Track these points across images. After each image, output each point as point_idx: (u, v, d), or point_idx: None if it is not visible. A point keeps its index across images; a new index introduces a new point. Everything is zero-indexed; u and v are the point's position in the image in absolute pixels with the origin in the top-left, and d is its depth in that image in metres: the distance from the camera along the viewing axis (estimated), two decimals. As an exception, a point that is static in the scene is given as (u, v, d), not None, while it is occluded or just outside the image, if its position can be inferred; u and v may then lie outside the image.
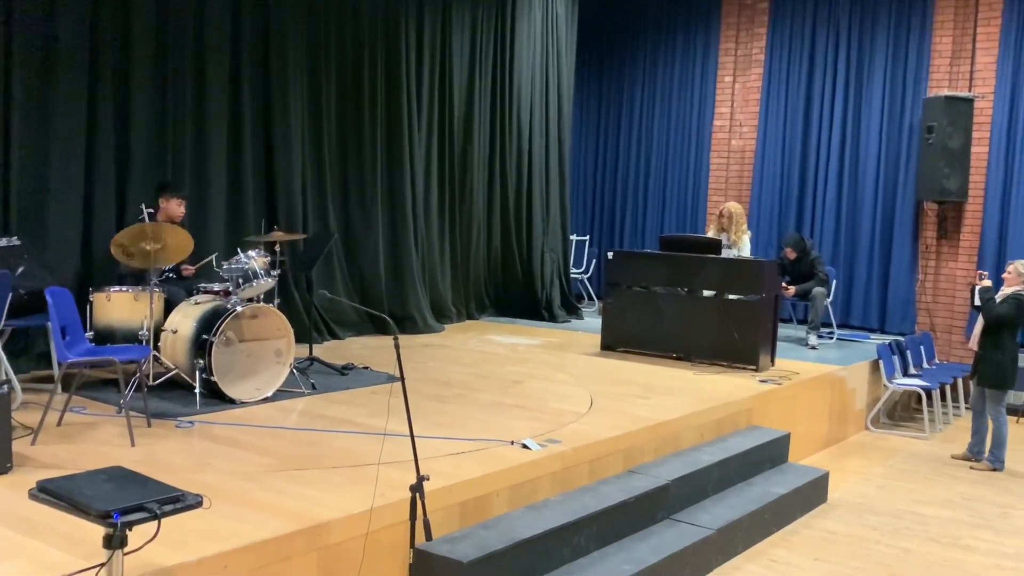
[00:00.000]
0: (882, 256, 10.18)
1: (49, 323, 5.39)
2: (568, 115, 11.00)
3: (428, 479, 3.78)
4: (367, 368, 6.81)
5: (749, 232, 9.07)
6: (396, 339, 3.94)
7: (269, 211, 7.70)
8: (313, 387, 6.00)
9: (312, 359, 6.65)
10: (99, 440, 4.63)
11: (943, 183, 9.41)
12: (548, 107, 10.63)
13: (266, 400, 5.60)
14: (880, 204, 10.18)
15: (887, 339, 9.11)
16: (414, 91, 8.96)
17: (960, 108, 9.44)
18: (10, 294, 5.13)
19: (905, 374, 8.65)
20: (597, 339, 8.44)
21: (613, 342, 8.30)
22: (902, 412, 9.13)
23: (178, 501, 2.69)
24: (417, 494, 3.68)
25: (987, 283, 7.14)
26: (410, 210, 8.92)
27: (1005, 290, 7.02)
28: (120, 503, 2.59)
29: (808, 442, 7.32)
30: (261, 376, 5.70)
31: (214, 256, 6.32)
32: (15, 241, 5.72)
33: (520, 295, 10.37)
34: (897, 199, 10.07)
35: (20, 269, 5.44)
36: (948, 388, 8.84)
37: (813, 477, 6.16)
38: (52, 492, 2.68)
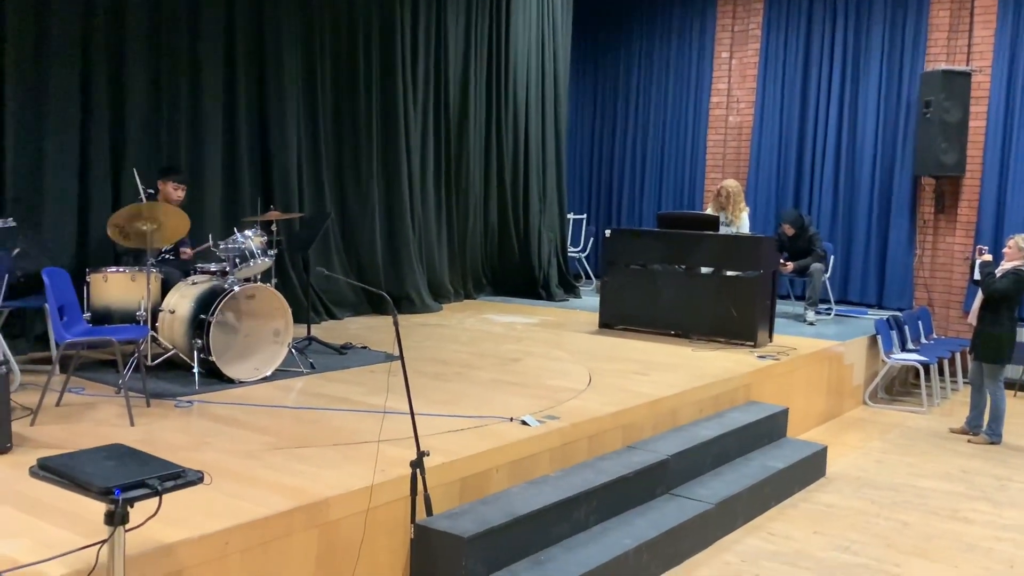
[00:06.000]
0: (880, 232, 10.18)
1: (46, 304, 5.39)
2: (564, 93, 10.95)
3: (428, 455, 3.79)
4: (365, 347, 6.81)
5: (747, 208, 9.06)
6: (395, 316, 3.93)
7: (265, 191, 7.67)
8: (312, 367, 5.99)
9: (310, 339, 6.64)
10: (98, 420, 4.63)
11: (940, 158, 9.39)
12: (544, 84, 10.58)
13: (265, 380, 5.59)
14: (878, 179, 10.17)
15: (885, 315, 9.12)
16: (409, 69, 8.91)
17: (958, 82, 9.41)
18: (7, 275, 5.11)
19: (903, 349, 8.67)
20: (595, 317, 8.44)
21: (611, 320, 8.30)
22: (900, 387, 9.16)
23: (179, 477, 2.68)
24: (417, 470, 3.69)
25: (987, 257, 7.14)
26: (406, 189, 8.89)
27: (1005, 265, 7.02)
28: (121, 480, 2.59)
29: (806, 417, 7.35)
30: (259, 356, 5.70)
31: (211, 241, 6.30)
32: (11, 222, 5.68)
33: (517, 274, 10.36)
34: (895, 174, 10.06)
35: (16, 250, 5.41)
36: (946, 363, 8.87)
37: (811, 452, 6.18)
38: (53, 470, 2.68)
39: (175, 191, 6.26)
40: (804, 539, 5.09)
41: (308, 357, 6.13)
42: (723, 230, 8.40)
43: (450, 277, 9.66)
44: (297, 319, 5.95)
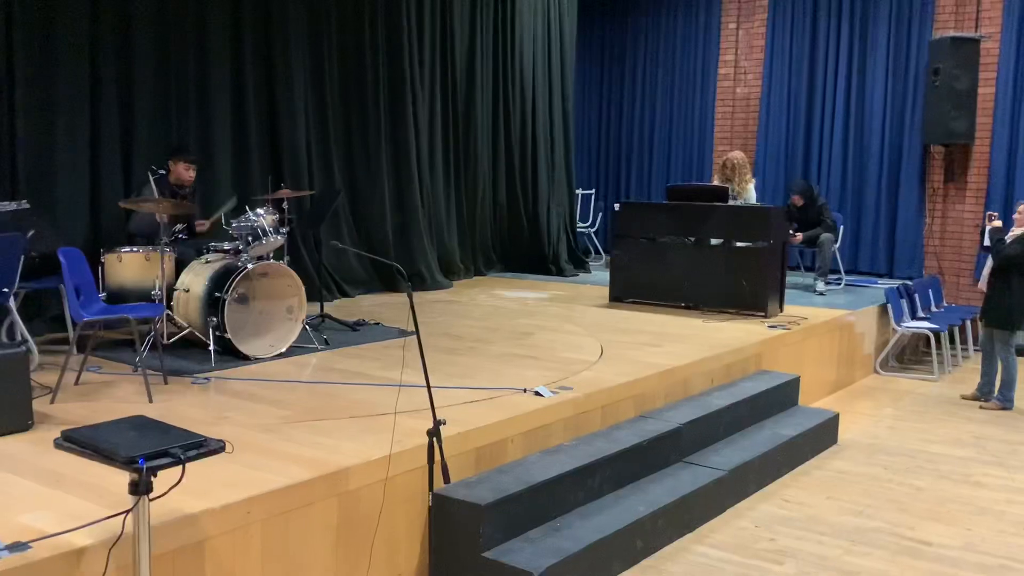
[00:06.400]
0: (889, 201, 10.16)
1: (62, 285, 5.44)
2: (571, 67, 10.93)
3: (445, 423, 3.83)
4: (378, 324, 6.85)
5: (754, 180, 9.05)
6: (408, 289, 3.96)
7: (275, 170, 7.69)
8: (326, 343, 6.04)
9: (323, 316, 6.68)
10: (117, 397, 4.68)
11: (950, 125, 9.36)
12: (551, 59, 10.56)
13: (280, 356, 5.64)
14: (887, 148, 10.13)
15: (895, 284, 9.12)
16: (416, 45, 8.90)
17: (966, 49, 9.35)
18: (23, 257, 5.15)
19: (914, 317, 8.67)
20: (605, 292, 8.47)
21: (622, 293, 8.32)
22: (911, 355, 9.17)
23: (201, 446, 2.73)
24: (434, 438, 3.73)
25: (998, 224, 7.13)
26: (415, 167, 8.90)
27: (1015, 231, 7.00)
28: (145, 449, 2.63)
29: (817, 386, 7.37)
30: (274, 333, 5.74)
31: (226, 207, 6.32)
32: (24, 204, 5.74)
33: (527, 250, 10.38)
34: (904, 143, 10.02)
35: (31, 232, 5.46)
36: (957, 330, 8.87)
37: (823, 419, 6.21)
38: (77, 441, 2.72)
39: (186, 171, 6.28)
40: (818, 504, 5.13)
41: (322, 333, 6.18)
42: (730, 203, 8.39)
43: (460, 254, 9.69)
44: (309, 297, 5.99)
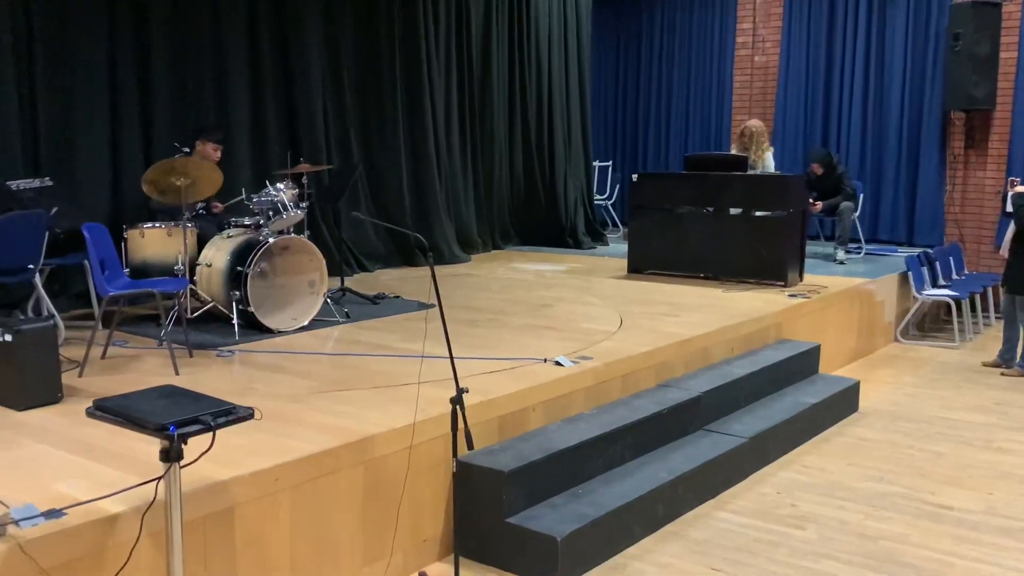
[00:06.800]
0: (909, 168, 10.08)
1: (86, 261, 5.52)
2: (587, 39, 10.87)
3: (468, 391, 3.85)
4: (398, 297, 6.90)
5: (771, 149, 9.00)
6: (430, 259, 3.97)
7: (292, 145, 7.72)
8: (347, 316, 6.09)
9: (344, 290, 6.73)
10: (143, 370, 4.75)
11: (970, 91, 9.26)
12: (566, 30, 10.50)
13: (303, 329, 5.70)
14: (906, 115, 10.05)
15: (916, 252, 9.07)
16: (431, 20, 8.88)
17: (987, 13, 9.24)
18: (47, 233, 5.22)
19: (934, 285, 8.63)
20: (623, 263, 8.47)
21: (640, 265, 8.32)
22: (931, 323, 9.14)
23: (231, 413, 2.76)
24: (457, 406, 3.76)
25: (1020, 189, 7.07)
26: (432, 141, 8.90)
27: (1037, 195, 6.95)
28: (175, 416, 2.67)
29: (837, 355, 7.37)
30: (296, 306, 5.79)
31: (244, 195, 6.37)
32: (48, 182, 5.80)
33: (544, 223, 10.39)
34: (924, 109, 9.93)
35: (54, 209, 5.52)
36: (978, 298, 8.82)
37: (844, 387, 6.21)
38: (109, 409, 2.77)
39: (215, 151, 6.32)
40: (838, 471, 5.15)
41: (343, 307, 6.23)
42: (748, 172, 8.35)
43: (477, 228, 9.71)
44: (329, 271, 6.03)
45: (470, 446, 3.50)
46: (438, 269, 8.38)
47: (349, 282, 7.18)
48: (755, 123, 9.01)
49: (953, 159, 9.83)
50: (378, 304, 6.63)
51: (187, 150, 6.14)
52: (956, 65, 9.31)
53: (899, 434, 5.82)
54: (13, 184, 5.67)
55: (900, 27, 9.97)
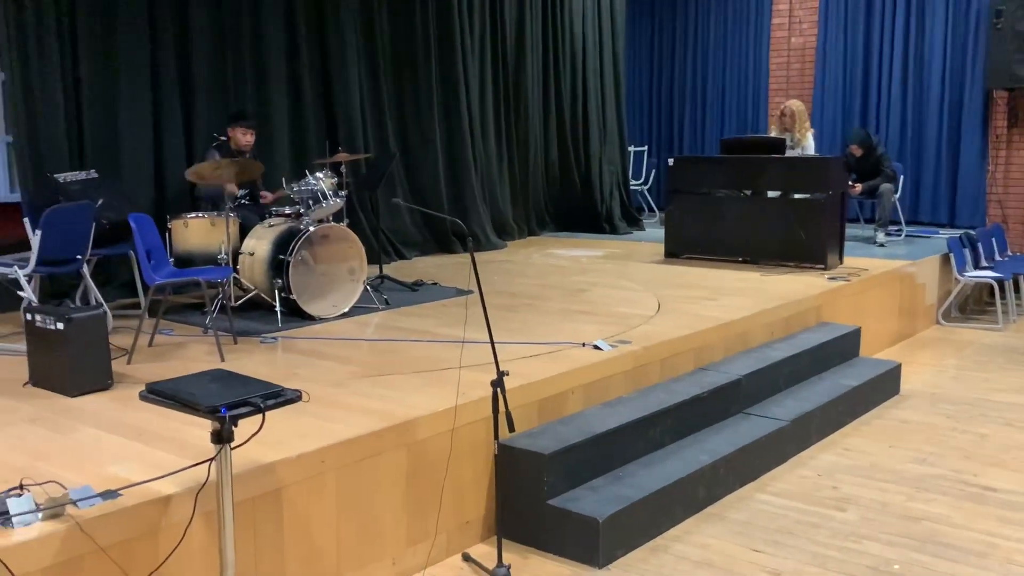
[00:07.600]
0: (950, 149, 9.94)
1: (132, 251, 5.63)
2: (622, 23, 10.82)
3: (508, 374, 3.89)
4: (436, 284, 6.95)
5: (813, 129, 8.92)
6: (470, 244, 4.02)
7: (330, 134, 7.80)
8: (387, 302, 6.16)
9: (382, 277, 6.80)
10: (190, 357, 4.85)
11: (1014, 69, 9.11)
12: (601, 15, 10.47)
13: (343, 316, 5.78)
14: (947, 95, 9.90)
15: (957, 233, 8.95)
16: (465, 6, 8.90)
17: (1031, -11, 9.07)
18: (94, 224, 5.33)
19: (976, 267, 8.52)
20: (660, 248, 8.45)
21: (677, 249, 8.30)
22: (974, 305, 9.02)
23: (279, 396, 2.83)
24: (498, 389, 3.80)
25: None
26: (467, 128, 8.94)
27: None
28: (226, 399, 2.74)
29: (878, 338, 7.31)
30: (337, 293, 5.87)
31: (286, 186, 6.46)
32: (94, 174, 5.93)
33: (580, 209, 10.39)
34: (965, 88, 9.78)
35: (100, 201, 5.64)
36: (1021, 279, 8.69)
37: (885, 369, 6.17)
38: (161, 392, 2.84)
39: (244, 136, 6.40)
40: (880, 453, 5.12)
41: (382, 294, 6.30)
42: (788, 152, 8.29)
43: (513, 214, 9.73)
44: (368, 259, 6.10)
45: (511, 429, 3.54)
46: (475, 255, 8.46)
47: (386, 270, 7.24)
48: (795, 103, 8.92)
49: (995, 138, 9.68)
50: (416, 291, 6.69)
51: (223, 138, 6.23)
52: (998, 43, 9.16)
53: (941, 416, 5.78)
54: (60, 177, 5.81)
55: (940, 4, 9.82)
